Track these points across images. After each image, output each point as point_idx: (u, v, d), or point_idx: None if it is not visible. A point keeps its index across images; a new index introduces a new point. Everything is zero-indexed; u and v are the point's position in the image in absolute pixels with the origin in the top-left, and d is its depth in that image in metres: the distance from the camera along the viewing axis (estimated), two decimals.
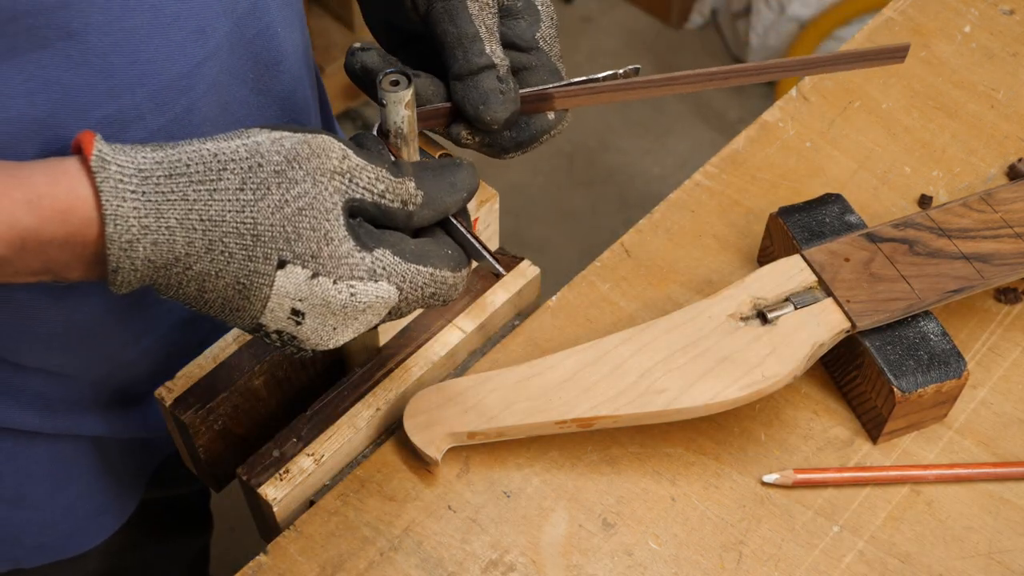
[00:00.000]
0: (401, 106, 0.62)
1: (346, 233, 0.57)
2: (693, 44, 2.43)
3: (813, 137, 0.93)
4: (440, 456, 0.73)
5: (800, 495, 0.73)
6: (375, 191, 0.58)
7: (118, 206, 0.53)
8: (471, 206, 0.75)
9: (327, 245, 0.56)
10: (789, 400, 0.77)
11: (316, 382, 0.80)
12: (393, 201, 0.59)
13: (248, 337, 0.75)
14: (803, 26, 2.23)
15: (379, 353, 0.76)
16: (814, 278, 0.75)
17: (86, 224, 0.53)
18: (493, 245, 0.81)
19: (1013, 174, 0.89)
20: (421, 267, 0.59)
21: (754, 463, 0.75)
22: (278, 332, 0.58)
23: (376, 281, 0.58)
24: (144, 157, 0.54)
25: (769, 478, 0.73)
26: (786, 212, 0.80)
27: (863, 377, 0.74)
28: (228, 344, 0.74)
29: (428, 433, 0.72)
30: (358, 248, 0.57)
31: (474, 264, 0.64)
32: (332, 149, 0.57)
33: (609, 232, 2.04)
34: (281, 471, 0.71)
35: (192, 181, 0.54)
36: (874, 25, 1.01)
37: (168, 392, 0.72)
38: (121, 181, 0.53)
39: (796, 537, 0.72)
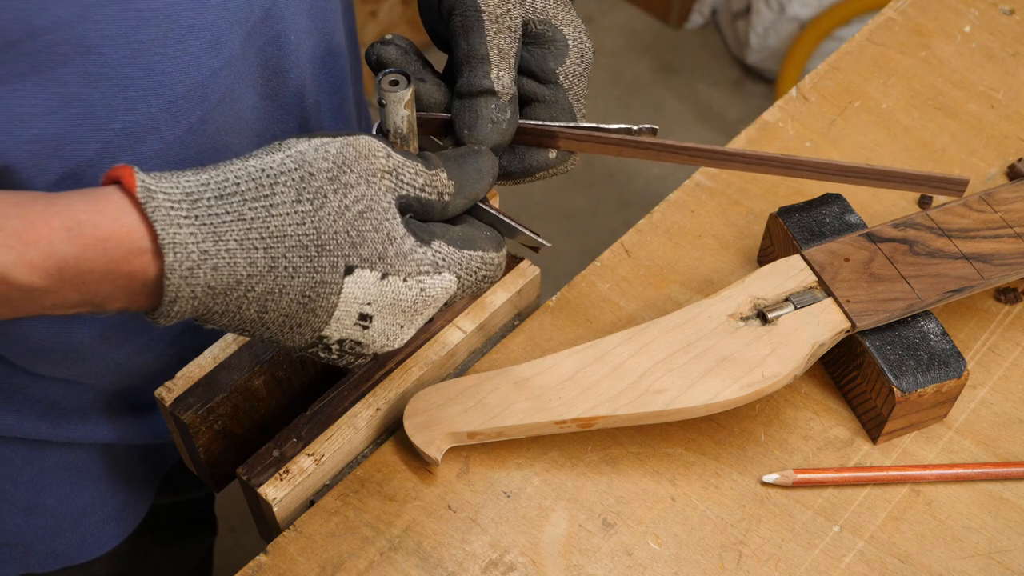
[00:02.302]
0: (400, 106, 0.62)
1: (405, 231, 0.57)
2: (693, 44, 2.43)
3: (813, 137, 0.93)
4: (440, 456, 0.73)
5: (800, 495, 0.73)
6: (416, 185, 0.58)
7: (175, 234, 0.51)
8: None
9: (391, 244, 0.56)
10: (789, 400, 0.77)
11: (316, 382, 0.80)
12: (431, 193, 0.59)
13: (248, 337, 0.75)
14: (803, 26, 2.23)
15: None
16: (814, 278, 0.75)
17: (133, 254, 0.51)
18: None
19: (1013, 174, 0.89)
20: (472, 252, 0.60)
21: (754, 463, 0.75)
22: (340, 342, 0.58)
23: (440, 273, 0.58)
24: (188, 181, 0.52)
25: (769, 478, 0.73)
26: (786, 212, 0.80)
27: (863, 377, 0.74)
28: (228, 344, 0.74)
29: (428, 433, 0.72)
30: (419, 244, 0.57)
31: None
32: (376, 149, 0.57)
33: (609, 232, 2.04)
34: (281, 471, 0.71)
35: (246, 199, 0.53)
36: (874, 25, 1.01)
37: (168, 392, 0.72)
38: (172, 208, 0.51)
39: (796, 537, 0.72)
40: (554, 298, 0.83)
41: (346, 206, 0.55)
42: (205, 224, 0.52)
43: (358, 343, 0.58)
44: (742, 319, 0.73)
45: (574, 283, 0.84)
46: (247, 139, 0.72)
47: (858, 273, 0.75)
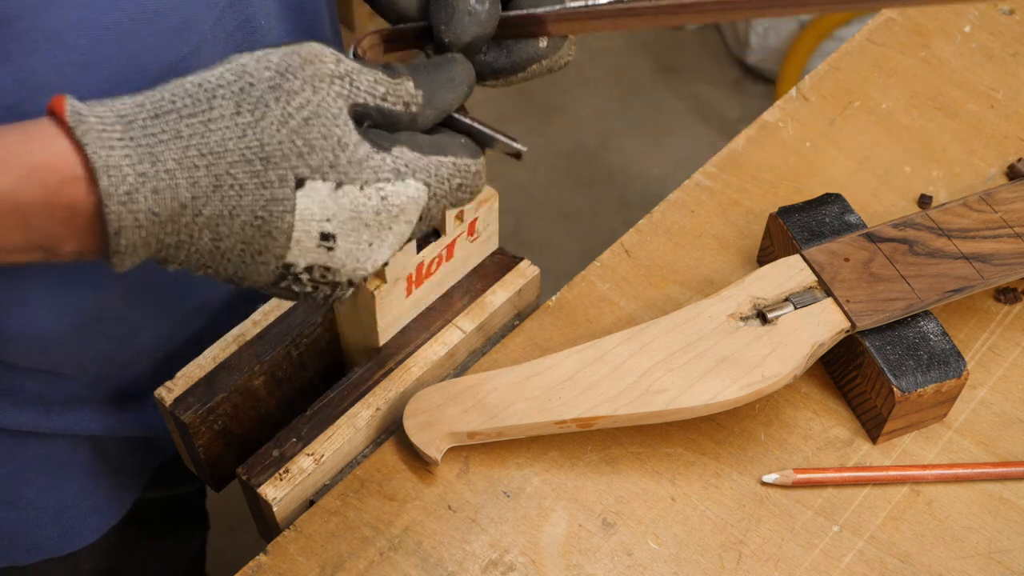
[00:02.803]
0: None
1: (359, 136, 0.53)
2: (693, 44, 2.43)
3: (813, 137, 0.93)
4: (440, 456, 0.73)
5: (800, 495, 0.73)
6: (376, 94, 0.54)
7: (107, 156, 0.48)
8: (470, 206, 0.75)
9: (343, 151, 0.52)
10: (789, 400, 0.78)
11: (316, 382, 0.80)
12: (396, 104, 0.55)
13: (248, 337, 0.75)
14: (803, 26, 2.23)
15: (378, 353, 0.77)
16: (814, 278, 0.75)
17: (69, 183, 0.48)
18: (492, 245, 0.81)
19: (1013, 174, 0.89)
20: (443, 158, 0.56)
21: (754, 463, 0.75)
22: (309, 269, 0.54)
23: (403, 180, 0.54)
24: (123, 104, 0.50)
25: (769, 478, 0.73)
26: (786, 212, 0.80)
27: (863, 377, 0.74)
28: (228, 344, 0.74)
29: (428, 433, 0.72)
30: (376, 150, 0.53)
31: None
32: (324, 54, 0.53)
33: (609, 232, 2.04)
34: (281, 471, 0.71)
35: (182, 116, 0.50)
36: (874, 25, 1.01)
37: (168, 392, 0.72)
38: (104, 130, 0.48)
39: (796, 537, 0.72)
40: (554, 298, 0.83)
41: (289, 113, 0.51)
42: (141, 145, 0.49)
43: (327, 268, 0.54)
44: (742, 319, 0.73)
45: (574, 283, 0.84)
46: None
47: (858, 273, 0.75)
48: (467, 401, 0.73)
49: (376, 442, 0.76)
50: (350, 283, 0.56)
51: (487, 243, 0.79)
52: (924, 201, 0.88)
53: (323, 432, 0.73)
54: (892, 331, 0.74)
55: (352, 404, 0.74)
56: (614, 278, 0.84)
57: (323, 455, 0.72)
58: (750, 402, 0.72)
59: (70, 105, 0.49)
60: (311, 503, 0.73)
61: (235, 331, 0.75)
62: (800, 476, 0.73)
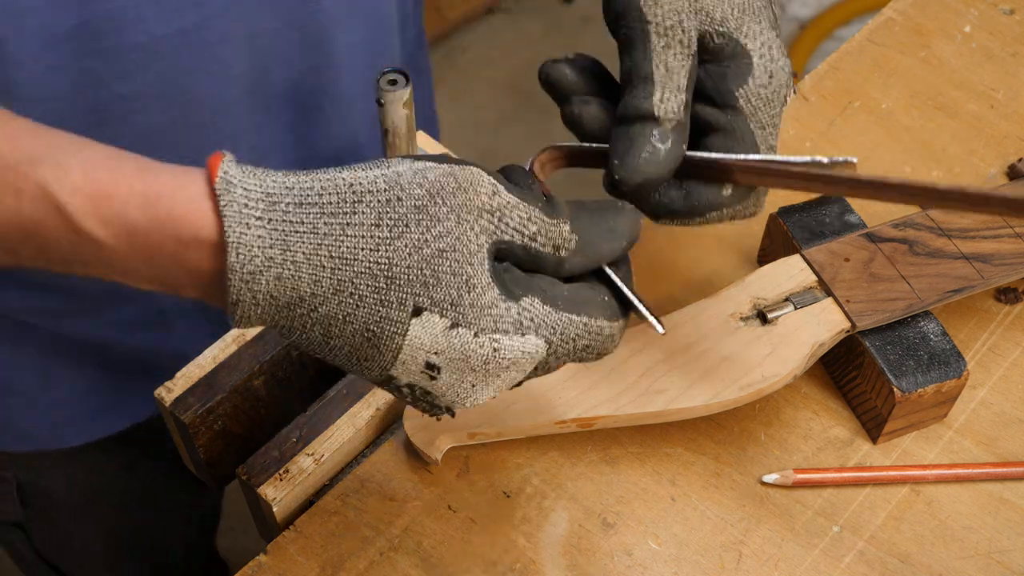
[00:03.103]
0: (399, 105, 0.62)
1: (491, 279, 0.51)
2: None
3: (813, 137, 0.93)
4: (440, 456, 0.73)
5: (800, 495, 0.73)
6: (526, 233, 0.52)
7: (241, 233, 0.48)
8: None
9: (469, 292, 0.50)
10: (789, 400, 0.77)
11: (316, 382, 0.80)
12: (545, 245, 0.52)
13: (248, 337, 0.75)
14: (803, 26, 2.23)
15: None
16: (814, 278, 0.75)
17: (199, 243, 0.49)
18: None
19: (1013, 174, 0.89)
20: (574, 316, 0.53)
21: (754, 463, 0.75)
22: (410, 386, 0.53)
23: (523, 335, 0.51)
24: (274, 181, 0.50)
25: (769, 478, 0.73)
26: (786, 212, 0.80)
27: (863, 377, 0.74)
28: (228, 344, 0.74)
29: (428, 433, 0.72)
30: (503, 297, 0.51)
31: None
32: (481, 183, 0.51)
33: None
34: (281, 471, 0.71)
35: (324, 212, 0.49)
36: (874, 25, 1.01)
37: (168, 392, 0.72)
38: (246, 205, 0.49)
39: (796, 537, 0.72)
40: None
41: (426, 240, 0.50)
42: (276, 229, 0.49)
43: (428, 392, 0.53)
44: (742, 319, 0.73)
45: None
46: (263, 63, 0.69)
47: (858, 273, 0.75)
48: None
49: (376, 442, 0.76)
50: (449, 409, 0.55)
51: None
52: None
53: (323, 432, 0.73)
54: (892, 331, 0.74)
55: (352, 404, 0.74)
56: None
57: (323, 455, 0.72)
58: (750, 402, 0.72)
59: (223, 170, 0.49)
60: (311, 503, 0.73)
61: (235, 331, 0.75)
62: (800, 476, 0.73)
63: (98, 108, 0.65)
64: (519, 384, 0.55)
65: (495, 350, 0.51)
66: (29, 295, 0.76)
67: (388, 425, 0.76)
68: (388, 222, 0.49)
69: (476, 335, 0.51)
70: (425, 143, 0.72)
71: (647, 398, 0.71)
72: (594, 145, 0.60)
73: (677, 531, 0.72)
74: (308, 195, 0.49)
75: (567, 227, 0.53)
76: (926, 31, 1.00)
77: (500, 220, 0.51)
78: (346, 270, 0.49)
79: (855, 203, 0.85)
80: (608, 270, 0.55)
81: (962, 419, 0.77)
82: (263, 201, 0.49)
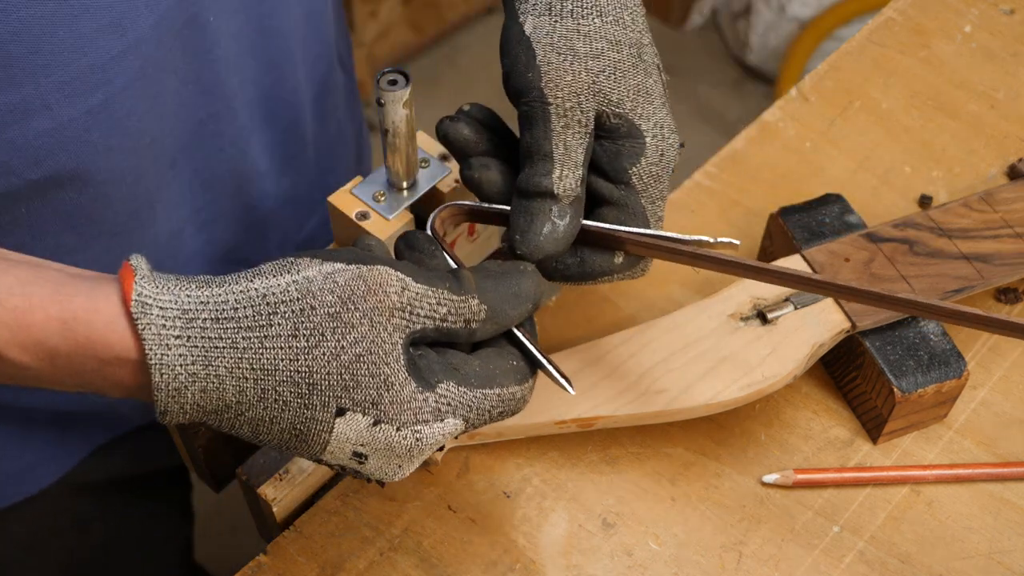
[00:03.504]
0: (399, 105, 0.62)
1: (407, 375, 0.53)
2: (693, 44, 2.43)
3: (813, 137, 0.93)
4: (440, 456, 0.72)
5: (800, 495, 0.73)
6: (437, 316, 0.54)
7: (162, 355, 0.50)
8: None
9: (387, 391, 0.52)
10: (789, 400, 0.77)
11: None
12: (456, 322, 0.54)
13: None
14: (803, 26, 2.23)
15: None
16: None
17: (122, 363, 0.51)
18: (492, 245, 0.81)
19: (1013, 174, 0.89)
20: (487, 391, 0.55)
21: (754, 463, 0.75)
22: (340, 467, 0.56)
23: (442, 420, 0.54)
24: (188, 296, 0.51)
25: (769, 478, 0.73)
26: (786, 212, 0.80)
27: (863, 377, 0.74)
28: None
29: None
30: (420, 389, 0.53)
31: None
32: (390, 283, 0.53)
33: None
34: (281, 471, 0.71)
35: (241, 327, 0.51)
36: (874, 25, 1.01)
37: None
38: (164, 326, 0.50)
39: (796, 537, 0.72)
40: (554, 298, 0.83)
41: (343, 347, 0.52)
42: (196, 347, 0.51)
43: (357, 471, 0.56)
44: (742, 319, 0.73)
45: None
46: (166, 124, 0.71)
47: (858, 273, 0.75)
48: None
49: None
50: (379, 482, 0.57)
51: (487, 243, 0.79)
52: (924, 201, 0.88)
53: None
54: (892, 331, 0.74)
55: None
56: None
57: None
58: (750, 402, 0.72)
59: (137, 291, 0.50)
60: (311, 503, 0.73)
61: None
62: (800, 476, 0.73)
63: (12, 195, 0.66)
64: (441, 449, 0.59)
65: (417, 439, 0.54)
66: None
67: None
68: (304, 332, 0.51)
69: (399, 429, 0.53)
70: (425, 143, 0.72)
71: (647, 398, 0.71)
72: (495, 207, 0.63)
73: (677, 531, 0.72)
74: (223, 309, 0.51)
75: (475, 301, 0.55)
76: (926, 31, 1.00)
77: (411, 313, 0.53)
78: (268, 380, 0.52)
79: (855, 203, 0.85)
80: (517, 332, 0.57)
81: (962, 419, 0.77)
82: (180, 319, 0.51)
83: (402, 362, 0.53)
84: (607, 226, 0.61)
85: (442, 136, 0.64)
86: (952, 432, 0.76)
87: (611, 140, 0.61)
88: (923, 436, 0.76)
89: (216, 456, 0.76)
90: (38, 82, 0.60)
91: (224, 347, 0.51)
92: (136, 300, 0.50)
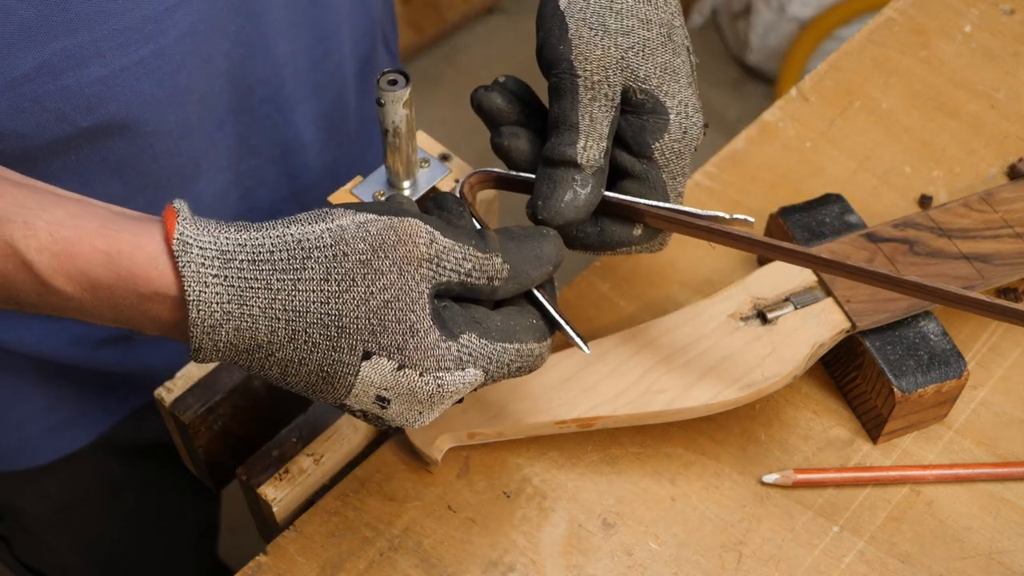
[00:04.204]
0: (399, 105, 0.62)
1: (431, 323, 0.55)
2: (693, 44, 2.43)
3: (813, 137, 0.93)
4: (440, 456, 0.73)
5: (800, 495, 0.73)
6: (462, 271, 0.56)
7: (200, 291, 0.52)
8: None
9: (412, 337, 0.54)
10: (789, 400, 0.77)
11: None
12: (479, 279, 0.56)
13: None
14: (803, 26, 2.23)
15: None
16: (814, 278, 0.75)
17: (160, 298, 0.53)
18: None
19: (1013, 174, 0.89)
20: (508, 344, 0.57)
21: (754, 463, 0.75)
22: (363, 412, 0.57)
23: (463, 369, 0.56)
24: (227, 238, 0.53)
25: (769, 478, 0.73)
26: (786, 212, 0.80)
27: (863, 377, 0.74)
28: None
29: (428, 433, 0.72)
30: (443, 337, 0.55)
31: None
32: (419, 234, 0.54)
33: None
34: (281, 471, 0.71)
35: (276, 269, 0.53)
36: (874, 25, 1.01)
37: (168, 392, 0.72)
38: (203, 264, 0.52)
39: (796, 537, 0.72)
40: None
41: (372, 293, 0.54)
42: (233, 286, 0.53)
43: (379, 417, 0.57)
44: (742, 319, 0.73)
45: (574, 283, 0.84)
46: (216, 84, 0.72)
47: None
48: (467, 401, 0.73)
49: (376, 442, 0.76)
50: (399, 428, 0.59)
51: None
52: (924, 201, 0.88)
53: (323, 432, 0.73)
54: (892, 331, 0.74)
55: None
56: (614, 278, 0.84)
57: (323, 455, 0.72)
58: (750, 402, 0.72)
59: (179, 230, 0.52)
60: (311, 503, 0.73)
61: None
62: (800, 476, 0.73)
63: (63, 142, 0.68)
64: (460, 400, 0.59)
65: (439, 386, 0.55)
66: None
67: None
68: (336, 276, 0.53)
69: (421, 375, 0.55)
70: (425, 143, 0.72)
71: (647, 398, 0.71)
72: (521, 175, 0.65)
73: (677, 531, 0.72)
74: (260, 252, 0.53)
75: (499, 259, 0.57)
76: (926, 31, 1.00)
77: (438, 265, 0.55)
78: (299, 321, 0.53)
79: (855, 203, 0.85)
80: (536, 292, 0.59)
81: (962, 419, 0.77)
82: (218, 259, 0.53)
83: (427, 310, 0.54)
84: (627, 198, 0.63)
85: (476, 105, 0.65)
86: (952, 432, 0.76)
87: (636, 115, 0.63)
88: (923, 436, 0.76)
89: (216, 456, 0.76)
90: (93, 29, 0.61)
91: (259, 288, 0.53)
92: (178, 239, 0.52)
